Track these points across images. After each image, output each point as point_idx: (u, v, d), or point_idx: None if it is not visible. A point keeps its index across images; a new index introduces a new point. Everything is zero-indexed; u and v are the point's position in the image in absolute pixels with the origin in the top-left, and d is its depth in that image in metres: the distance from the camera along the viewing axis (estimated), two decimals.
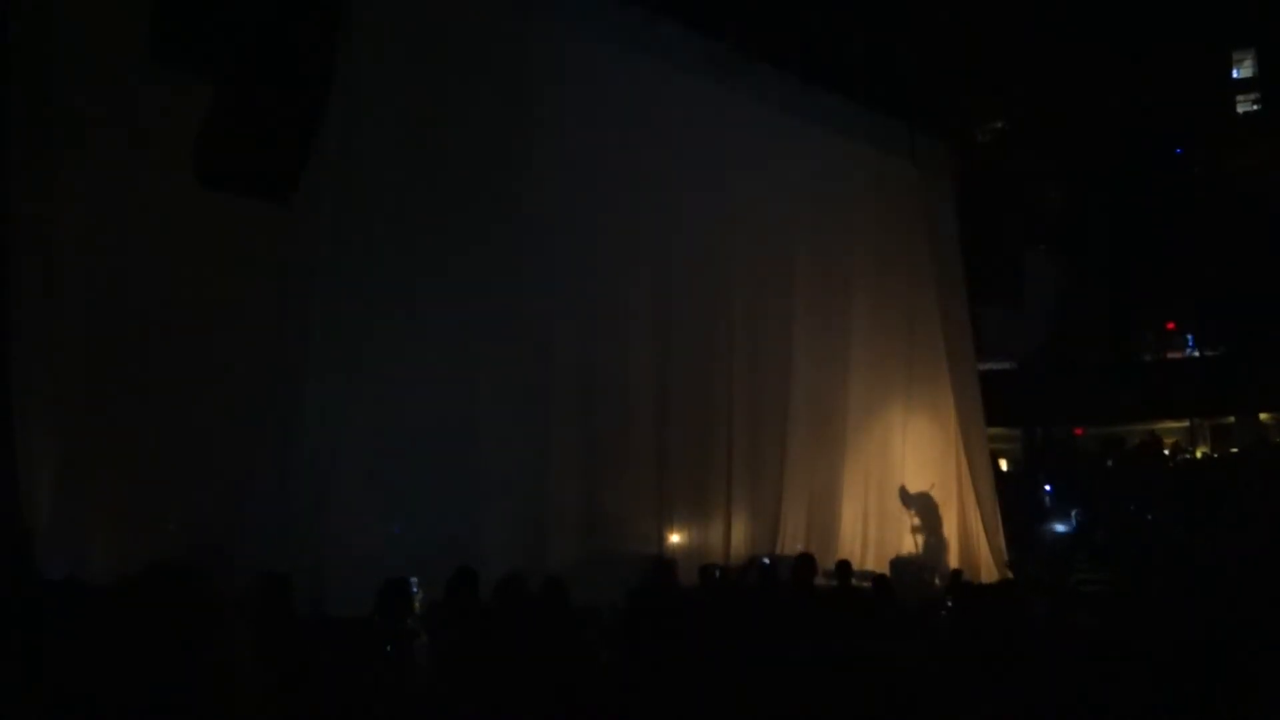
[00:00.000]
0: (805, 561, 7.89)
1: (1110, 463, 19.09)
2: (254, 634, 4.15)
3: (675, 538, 10.31)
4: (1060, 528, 16.00)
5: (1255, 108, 21.94)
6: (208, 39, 6.51)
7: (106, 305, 7.31)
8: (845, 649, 5.16)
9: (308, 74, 6.72)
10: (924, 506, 13.01)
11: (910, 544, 12.74)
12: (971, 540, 13.31)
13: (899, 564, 12.00)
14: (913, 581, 10.86)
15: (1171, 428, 21.31)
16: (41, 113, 7.10)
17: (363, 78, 8.11)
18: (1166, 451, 19.77)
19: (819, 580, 8.17)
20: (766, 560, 7.85)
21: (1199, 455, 20.42)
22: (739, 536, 10.82)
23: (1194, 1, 18.96)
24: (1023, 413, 19.78)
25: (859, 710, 4.61)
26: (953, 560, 12.75)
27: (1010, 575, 12.17)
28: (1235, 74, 22.20)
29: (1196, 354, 20.89)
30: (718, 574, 8.29)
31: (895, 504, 13.04)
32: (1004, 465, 18.86)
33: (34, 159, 7.07)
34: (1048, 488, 16.72)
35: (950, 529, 13.19)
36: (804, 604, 6.97)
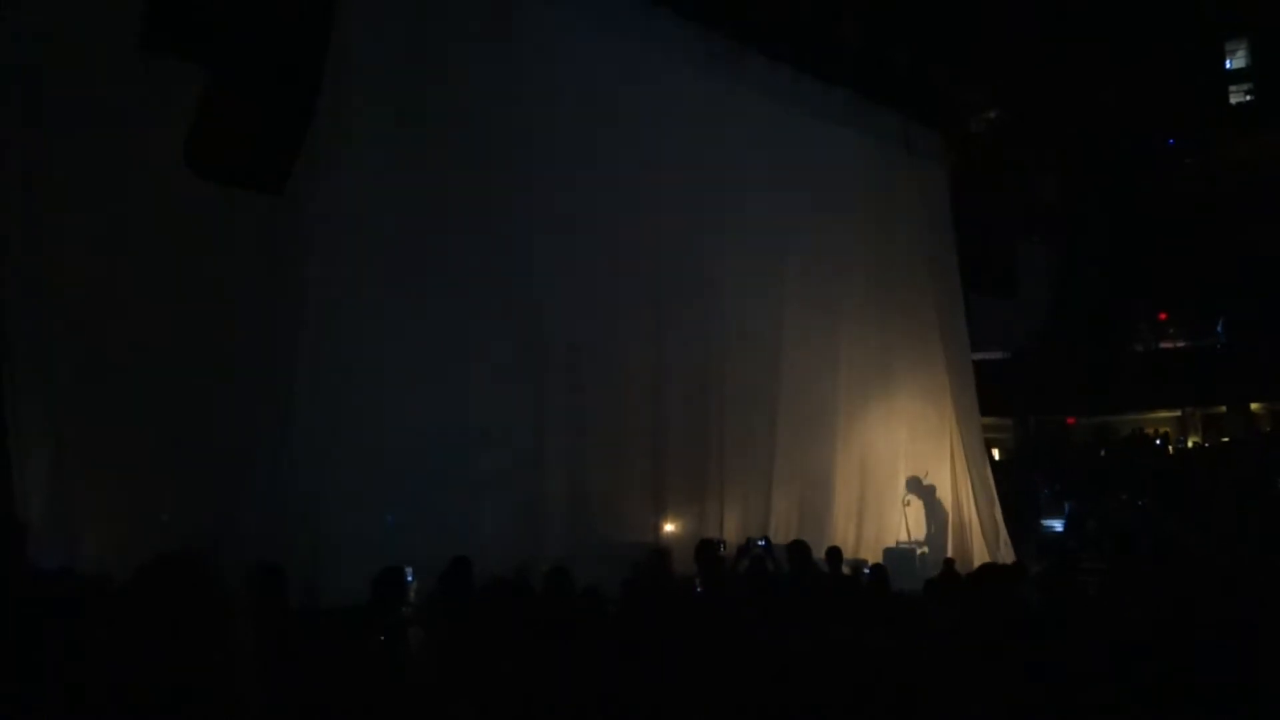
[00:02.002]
0: (799, 548, 7.89)
1: (1103, 452, 19.20)
2: (251, 624, 4.15)
3: (669, 526, 10.33)
4: (1052, 518, 16.09)
5: (1248, 98, 21.98)
6: (200, 29, 6.48)
7: (100, 296, 7.29)
8: (841, 639, 5.17)
9: (301, 63, 6.70)
10: (918, 495, 13.06)
11: (904, 532, 12.78)
12: (966, 529, 13.35)
13: (893, 553, 12.03)
14: (906, 570, 10.89)
15: (1163, 417, 21.42)
16: (36, 105, 7.07)
17: (357, 68, 8.08)
18: (1159, 441, 19.89)
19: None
20: (762, 542, 7.79)
21: (1190, 445, 20.54)
22: (732, 524, 10.84)
23: None
24: (1015, 402, 19.86)
25: (857, 702, 4.62)
26: (947, 549, 12.79)
27: (1008, 562, 12.20)
28: (1228, 65, 22.23)
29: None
30: (723, 548, 8.23)
31: (889, 492, 13.08)
32: (996, 455, 18.95)
33: (28, 151, 7.05)
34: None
35: (946, 518, 13.23)
36: (800, 594, 6.97)
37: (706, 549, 7.24)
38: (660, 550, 8.14)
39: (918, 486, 13.09)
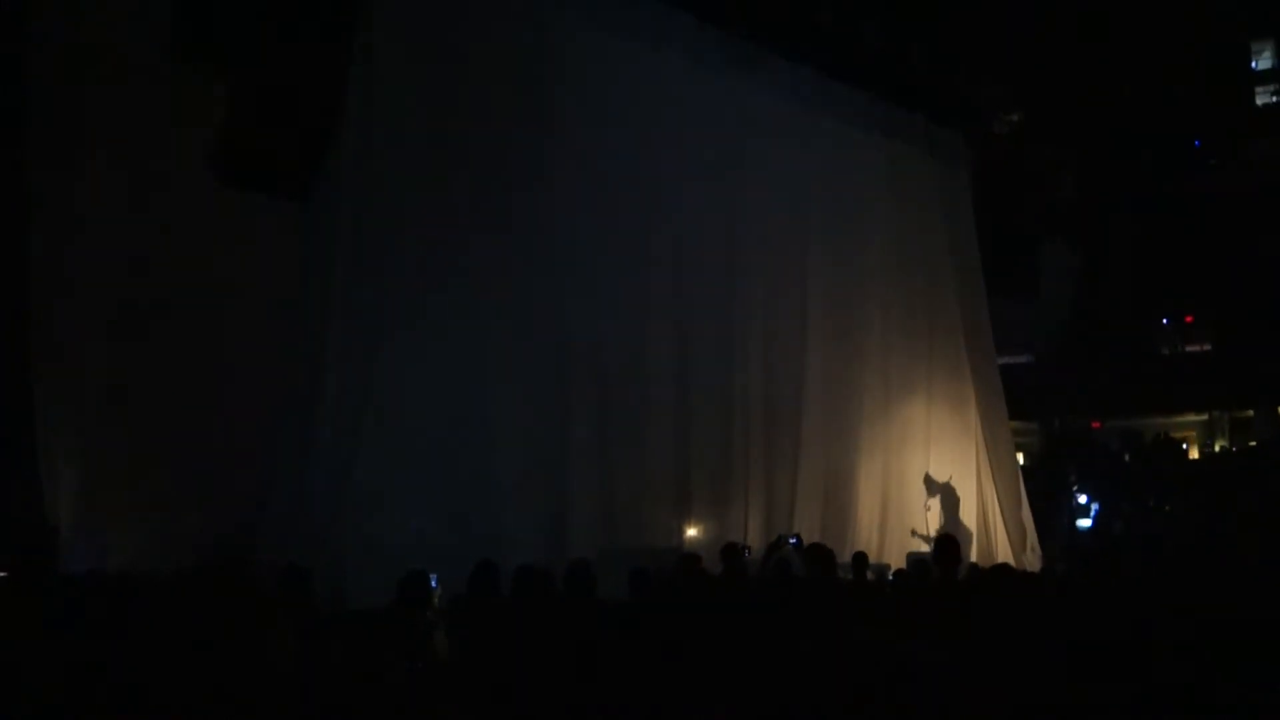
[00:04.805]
0: (822, 552, 7.84)
1: (1128, 456, 19.00)
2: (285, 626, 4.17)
3: (693, 530, 10.31)
4: (1078, 521, 15.93)
5: (1275, 99, 21.76)
6: (226, 37, 6.53)
7: (127, 304, 7.36)
8: (863, 644, 5.13)
9: (324, 72, 6.74)
10: (943, 499, 12.96)
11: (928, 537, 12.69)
12: (991, 534, 13.25)
13: (916, 558, 11.94)
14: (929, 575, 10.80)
15: (1190, 421, 21.17)
16: (64, 114, 7.15)
17: (380, 73, 8.12)
18: (1185, 445, 19.68)
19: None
20: (794, 540, 7.73)
21: (1218, 449, 20.30)
22: (755, 529, 10.81)
23: None
24: (1039, 406, 19.68)
25: (876, 706, 4.59)
26: (972, 553, 12.69)
27: (1033, 568, 12.10)
28: (1255, 65, 22.01)
29: None
30: (748, 553, 8.21)
31: (913, 496, 12.98)
32: (1021, 459, 18.78)
33: (56, 156, 7.12)
34: (1084, 499, 16.48)
35: (970, 522, 13.13)
36: (823, 600, 6.93)
37: (731, 552, 7.24)
38: (687, 557, 8.10)
39: (942, 491, 12.99)
